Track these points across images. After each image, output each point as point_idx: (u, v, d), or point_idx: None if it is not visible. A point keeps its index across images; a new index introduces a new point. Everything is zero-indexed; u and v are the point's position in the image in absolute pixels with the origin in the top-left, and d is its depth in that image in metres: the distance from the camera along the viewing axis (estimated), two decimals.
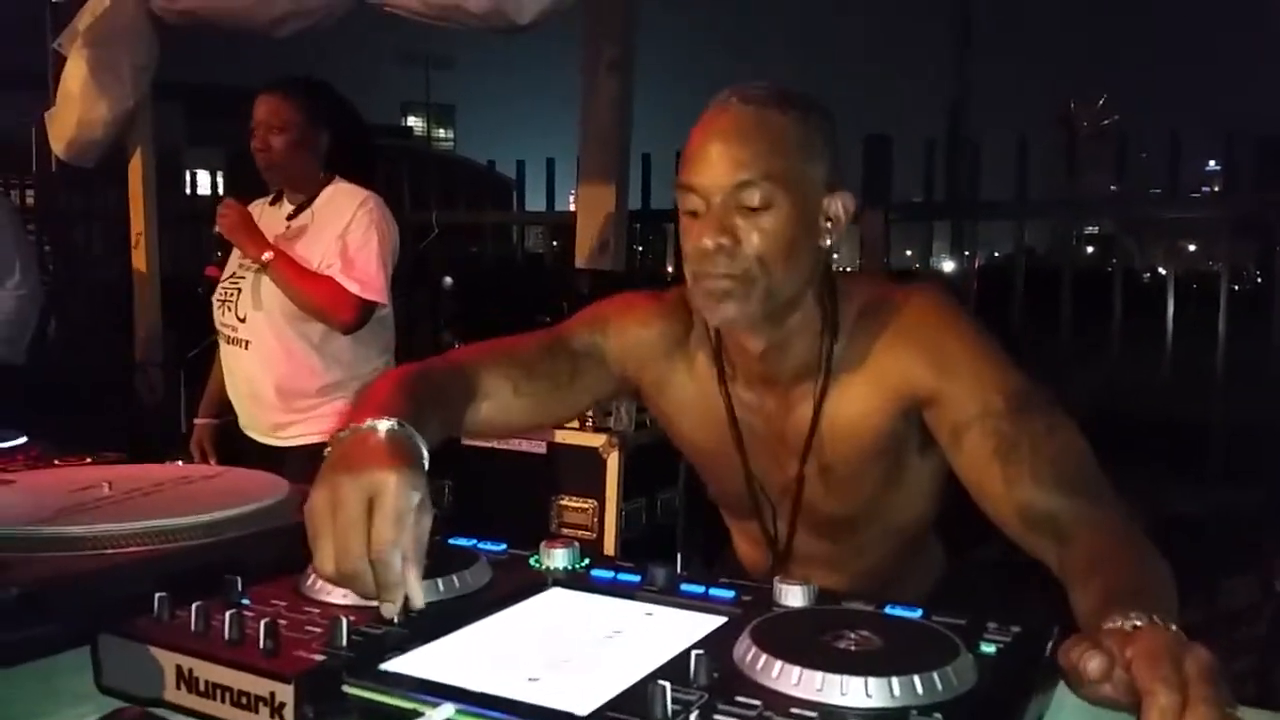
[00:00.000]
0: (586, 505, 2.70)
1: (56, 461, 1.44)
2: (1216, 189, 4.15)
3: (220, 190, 7.05)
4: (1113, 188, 3.98)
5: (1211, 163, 3.98)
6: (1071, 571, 0.98)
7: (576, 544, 1.01)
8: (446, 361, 1.27)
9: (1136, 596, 0.83)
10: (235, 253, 2.52)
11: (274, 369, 2.46)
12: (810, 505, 1.32)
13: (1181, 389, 3.72)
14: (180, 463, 1.39)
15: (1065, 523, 1.04)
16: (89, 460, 1.43)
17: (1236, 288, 4.16)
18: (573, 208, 3.85)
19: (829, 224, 1.21)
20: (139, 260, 4.38)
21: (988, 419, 1.13)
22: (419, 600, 0.82)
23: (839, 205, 1.21)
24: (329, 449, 0.91)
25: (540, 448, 2.77)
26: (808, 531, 1.35)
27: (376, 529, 0.82)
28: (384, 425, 0.91)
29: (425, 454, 0.92)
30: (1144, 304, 3.90)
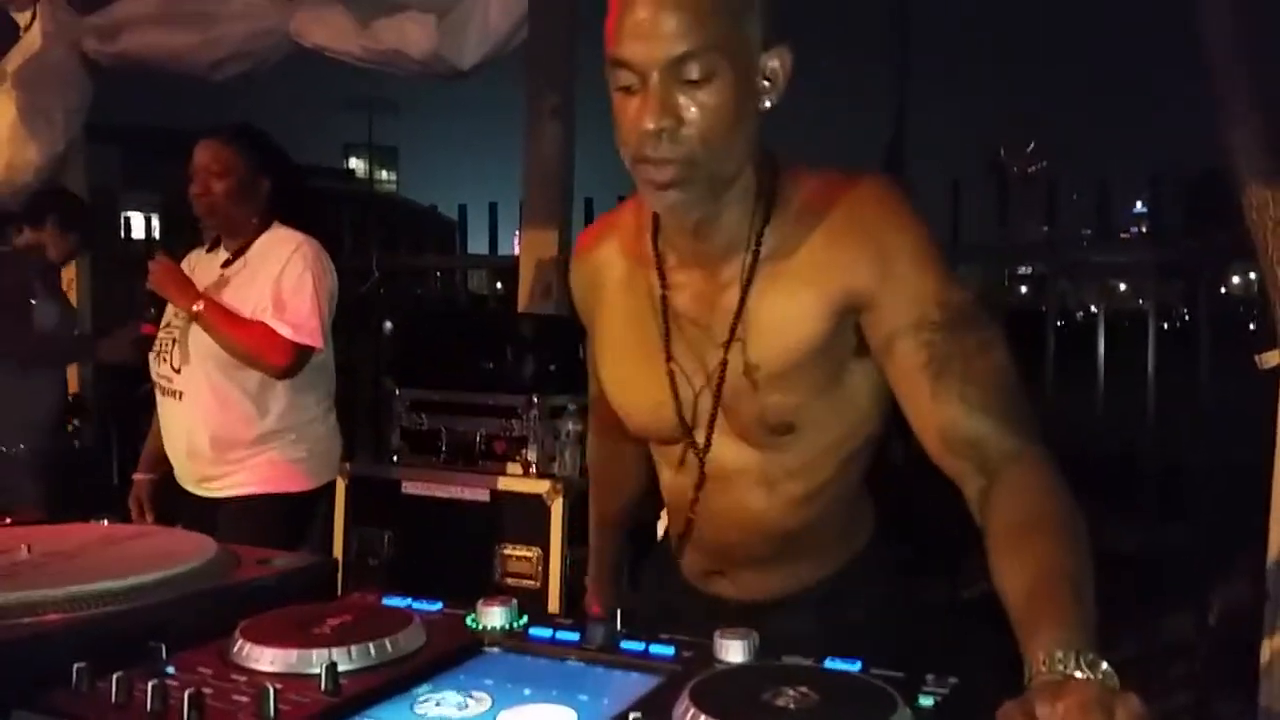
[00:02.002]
0: (530, 554, 2.66)
1: None
2: (1144, 228, 4.26)
3: (157, 234, 6.94)
4: (1045, 228, 4.07)
5: (1139, 204, 4.10)
6: (994, 534, 1.00)
7: (514, 601, 1.00)
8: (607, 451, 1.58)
9: (1063, 622, 0.84)
10: (169, 305, 2.49)
11: (209, 419, 2.42)
12: (735, 403, 1.21)
13: (1113, 426, 3.80)
14: (106, 522, 1.34)
15: (988, 452, 1.05)
16: (8, 520, 1.38)
17: (1166, 325, 4.27)
18: (516, 251, 3.85)
19: (767, 83, 1.12)
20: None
21: (922, 330, 1.09)
22: None
23: (776, 62, 1.12)
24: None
25: (483, 495, 2.73)
26: (732, 437, 1.24)
27: None
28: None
29: None
30: (1077, 342, 3.98)
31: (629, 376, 1.30)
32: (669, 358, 1.24)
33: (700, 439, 1.25)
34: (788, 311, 1.16)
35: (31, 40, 3.64)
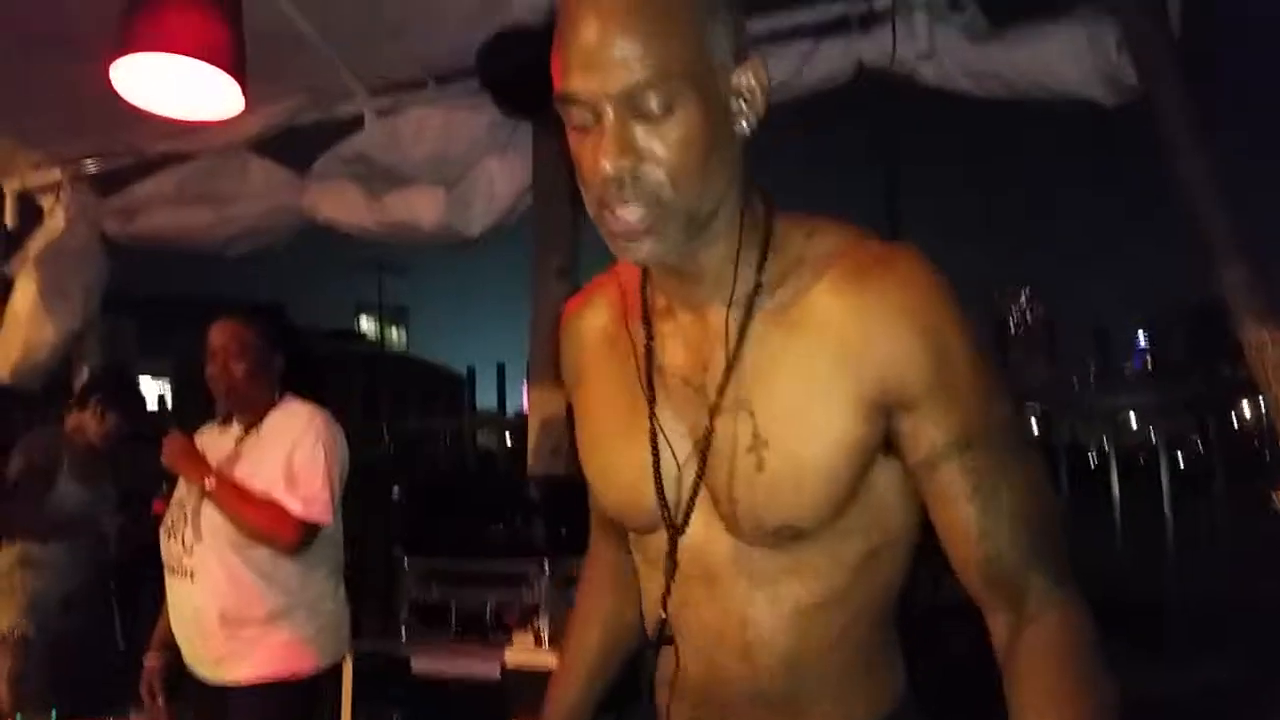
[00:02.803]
0: None
1: None
2: (1148, 361, 4.27)
3: (169, 404, 7.02)
4: (1048, 369, 4.09)
5: (1141, 336, 4.15)
6: (1020, 690, 0.93)
7: None
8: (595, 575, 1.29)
9: None
10: (181, 482, 2.49)
11: (219, 597, 2.38)
12: (730, 485, 1.01)
13: (1133, 564, 3.73)
14: (131, 714, 1.30)
15: (1028, 593, 0.97)
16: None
17: (1179, 457, 4.24)
18: (524, 406, 3.88)
19: (744, 102, 0.97)
20: None
21: (971, 451, 0.96)
22: None
23: (750, 77, 0.97)
24: None
25: (494, 671, 2.64)
26: (719, 526, 1.04)
27: None
28: None
29: None
30: (1089, 477, 3.95)
31: (605, 444, 1.12)
32: (652, 415, 1.06)
33: (690, 520, 1.05)
34: (810, 392, 0.99)
35: (55, 224, 3.77)
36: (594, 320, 1.18)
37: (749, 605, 1.04)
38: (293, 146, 3.37)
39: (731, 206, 1.01)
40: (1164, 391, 3.81)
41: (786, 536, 1.01)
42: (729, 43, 0.96)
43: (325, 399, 2.57)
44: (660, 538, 1.07)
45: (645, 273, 1.11)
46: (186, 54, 2.01)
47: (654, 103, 0.91)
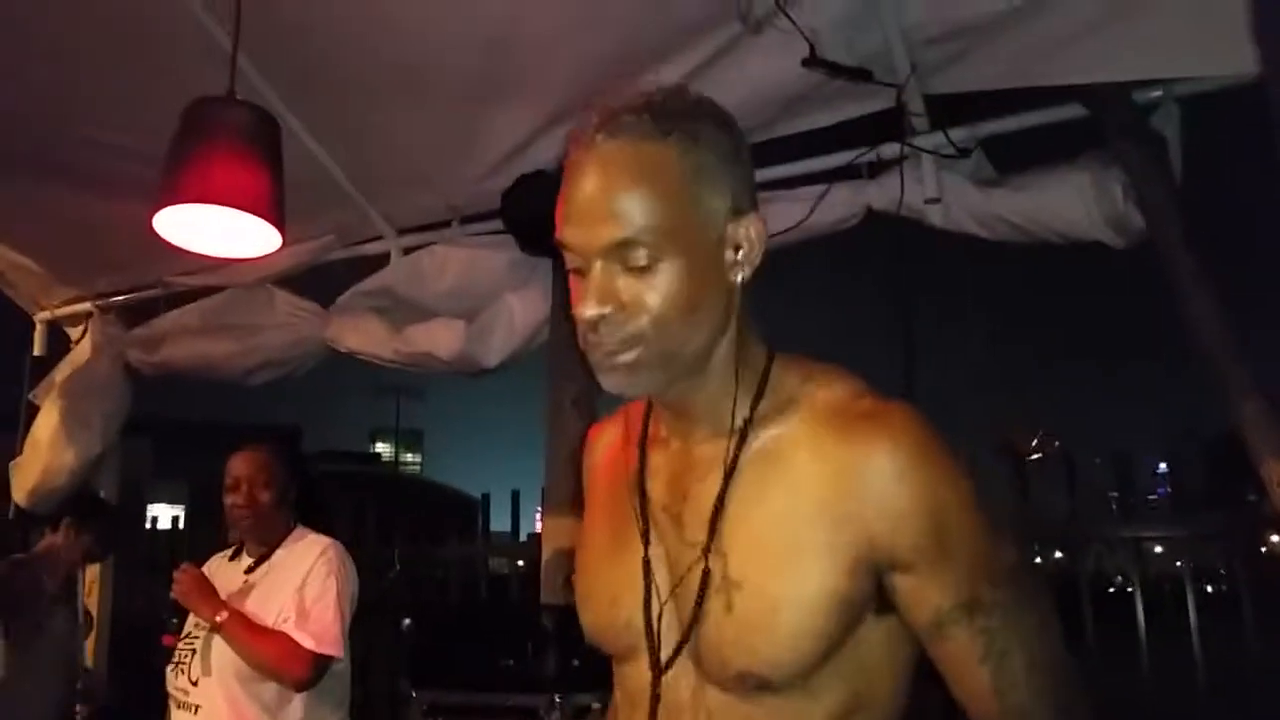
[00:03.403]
0: None
1: None
2: (1170, 489, 4.23)
3: (182, 525, 6.99)
4: (1069, 503, 4.05)
5: (1162, 465, 4.11)
6: None
7: None
8: None
9: None
10: (190, 616, 2.48)
11: None
12: (710, 629, 0.99)
13: (1163, 699, 3.61)
14: None
15: None
16: None
17: (1207, 588, 4.14)
18: (538, 528, 3.85)
19: (738, 254, 1.00)
20: (91, 607, 4.24)
21: (979, 613, 0.95)
22: None
23: (747, 230, 1.00)
24: None
25: None
26: (688, 663, 1.01)
27: None
28: None
29: None
30: (1115, 609, 3.86)
31: (593, 565, 1.13)
32: (646, 544, 1.06)
33: (664, 654, 1.02)
34: (787, 539, 0.97)
35: (81, 352, 3.85)
36: (606, 442, 1.22)
37: None
38: (316, 279, 3.46)
39: (725, 349, 1.03)
40: (1188, 524, 3.74)
41: (751, 685, 0.97)
42: (726, 197, 0.99)
43: (335, 527, 2.58)
44: (638, 670, 1.05)
45: (648, 407, 1.14)
46: (231, 206, 2.10)
47: (639, 258, 0.95)
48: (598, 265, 0.97)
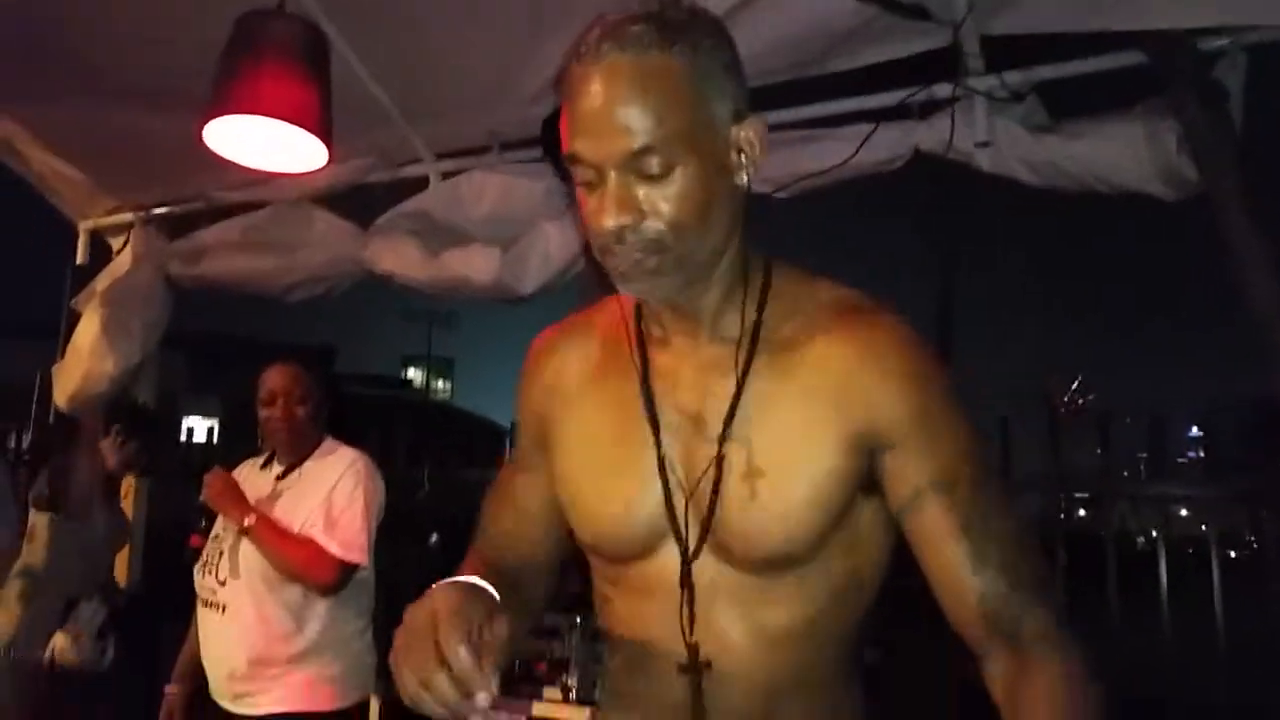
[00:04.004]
0: None
1: None
2: (1201, 452, 4.20)
3: (215, 439, 7.12)
4: (1098, 452, 4.03)
5: (1194, 429, 4.07)
6: None
7: None
8: (492, 570, 1.12)
9: None
10: (220, 518, 2.54)
11: (248, 634, 2.42)
12: (724, 512, 1.07)
13: (1182, 663, 3.61)
14: None
15: (1021, 630, 1.01)
16: None
17: (1232, 553, 4.12)
18: None
19: (742, 156, 1.05)
20: (126, 511, 4.34)
21: (955, 488, 1.03)
22: (489, 689, 0.86)
23: (749, 133, 1.05)
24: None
25: None
26: (710, 550, 1.08)
27: (440, 631, 0.88)
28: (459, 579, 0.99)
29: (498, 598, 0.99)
30: (1138, 570, 3.86)
31: (593, 472, 1.15)
32: (658, 443, 1.10)
33: (692, 545, 1.09)
34: (804, 429, 1.06)
35: (122, 262, 3.89)
36: (577, 352, 1.22)
37: (730, 630, 1.08)
38: (355, 201, 3.46)
39: (733, 253, 1.09)
40: (1217, 485, 3.71)
41: (772, 564, 1.07)
42: (728, 102, 1.04)
43: (363, 445, 2.62)
44: (658, 564, 1.10)
45: (637, 309, 1.18)
46: (280, 118, 2.11)
47: (654, 165, 0.99)
48: (613, 176, 1.00)
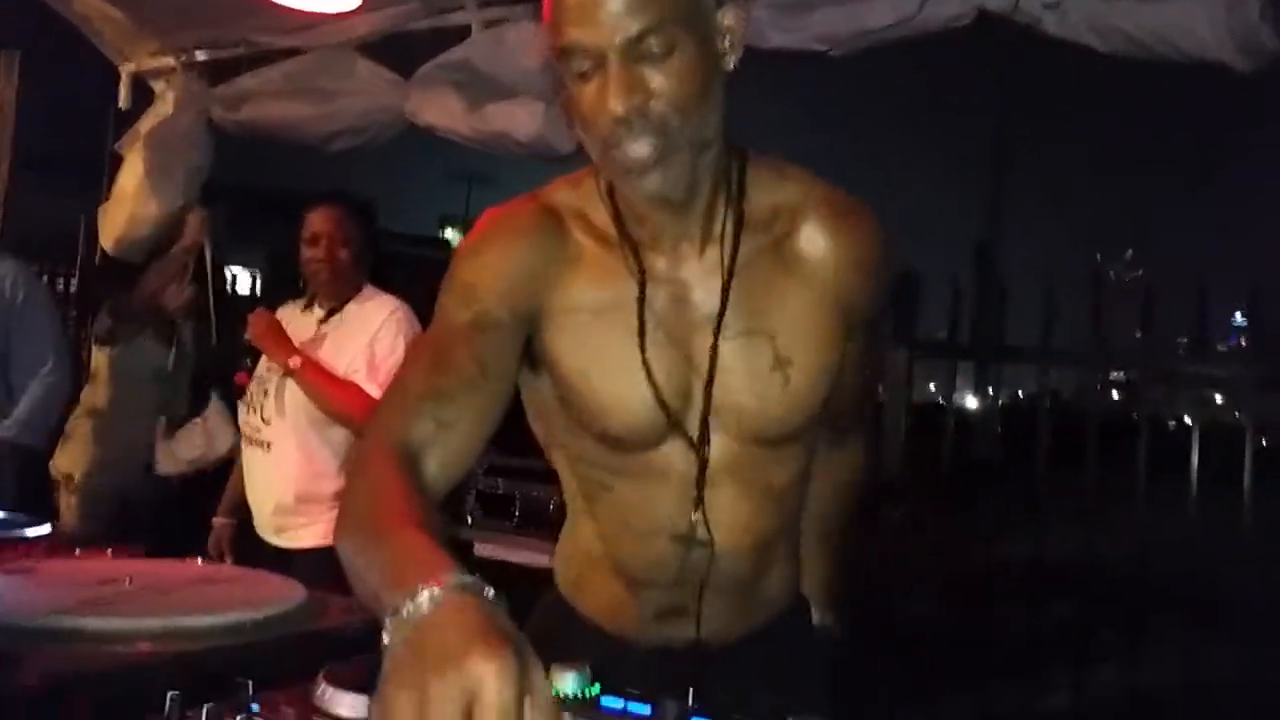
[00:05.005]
0: None
1: (78, 552, 1.45)
2: (1244, 341, 4.15)
3: (259, 289, 7.22)
4: (1138, 334, 3.99)
5: (1238, 315, 4.00)
6: (808, 531, 1.35)
7: (588, 668, 1.00)
8: (389, 459, 1.00)
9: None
10: (264, 357, 2.59)
11: (292, 472, 2.49)
12: (745, 398, 1.14)
13: (1208, 546, 3.65)
14: (200, 561, 1.40)
15: (852, 424, 1.40)
16: (109, 553, 1.45)
17: (1264, 442, 4.11)
18: None
19: (727, 40, 1.07)
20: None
21: (870, 329, 1.27)
22: None
23: (731, 17, 1.07)
24: (388, 634, 0.76)
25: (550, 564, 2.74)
26: (736, 436, 1.16)
27: None
28: (453, 589, 0.78)
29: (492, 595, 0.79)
30: (1169, 455, 3.87)
31: (607, 372, 1.14)
32: (643, 340, 1.13)
33: (709, 432, 1.14)
34: (816, 318, 1.15)
35: (164, 106, 3.87)
36: (554, 241, 1.16)
37: (735, 502, 1.17)
38: (398, 50, 3.40)
39: (720, 144, 1.11)
40: (1257, 369, 3.67)
41: (792, 436, 1.19)
42: None
43: (408, 294, 2.65)
44: (663, 452, 1.15)
45: (617, 211, 1.14)
46: None
47: (656, 46, 0.99)
48: (615, 60, 0.99)
